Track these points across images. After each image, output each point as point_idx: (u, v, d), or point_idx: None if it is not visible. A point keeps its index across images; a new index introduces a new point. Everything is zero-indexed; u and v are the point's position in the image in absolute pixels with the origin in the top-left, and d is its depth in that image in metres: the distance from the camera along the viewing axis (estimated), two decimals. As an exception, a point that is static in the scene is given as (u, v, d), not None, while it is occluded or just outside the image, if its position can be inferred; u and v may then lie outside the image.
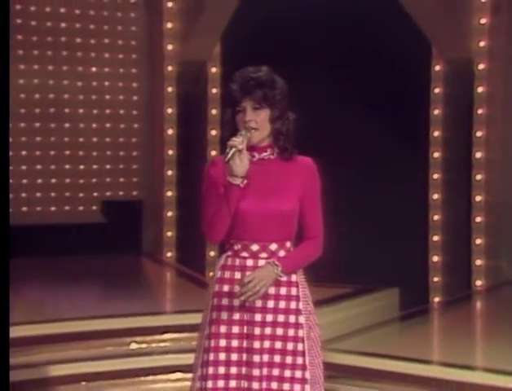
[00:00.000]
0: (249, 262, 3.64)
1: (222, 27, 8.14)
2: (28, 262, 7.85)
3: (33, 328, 5.93)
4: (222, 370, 3.63)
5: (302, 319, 3.64)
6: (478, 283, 7.90)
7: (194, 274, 7.93)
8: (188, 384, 5.14)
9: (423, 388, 5.40)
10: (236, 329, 3.63)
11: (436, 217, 8.08)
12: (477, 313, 7.62)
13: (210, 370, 3.62)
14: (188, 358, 5.10)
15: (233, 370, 3.64)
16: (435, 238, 8.08)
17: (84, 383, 5.64)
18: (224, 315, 3.63)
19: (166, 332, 6.01)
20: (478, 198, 7.96)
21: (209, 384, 3.61)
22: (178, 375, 5.77)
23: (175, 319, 6.18)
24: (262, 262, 3.64)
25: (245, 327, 3.63)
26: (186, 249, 8.47)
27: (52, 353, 5.77)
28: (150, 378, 5.81)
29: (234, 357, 3.63)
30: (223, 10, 8.02)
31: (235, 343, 3.63)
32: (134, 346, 5.93)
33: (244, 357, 3.61)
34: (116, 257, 8.31)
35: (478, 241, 7.94)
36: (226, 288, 3.65)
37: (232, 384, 3.63)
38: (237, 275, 3.65)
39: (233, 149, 3.52)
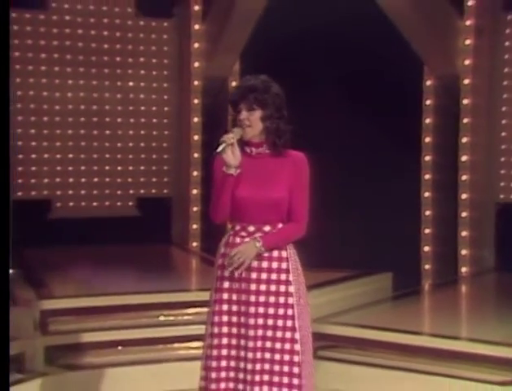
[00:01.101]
0: (247, 240, 3.74)
1: (241, 47, 8.19)
2: (74, 249, 7.97)
3: (81, 301, 6.05)
4: (225, 329, 3.76)
5: (291, 289, 3.77)
6: (464, 270, 7.90)
7: (214, 260, 8.18)
8: None
9: (412, 355, 5.46)
10: (235, 296, 3.75)
11: (427, 213, 8.09)
12: (462, 294, 7.59)
13: (215, 329, 3.74)
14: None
15: (234, 330, 3.73)
16: (426, 231, 8.08)
17: (120, 347, 5.77)
18: (226, 284, 3.77)
19: (190, 307, 6.07)
20: (463, 196, 7.95)
21: (215, 341, 3.74)
22: (198, 343, 5.78)
23: (197, 296, 6.20)
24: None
25: (243, 295, 3.73)
26: (208, 240, 8.38)
27: (96, 322, 5.90)
28: (175, 345, 5.89)
29: (234, 319, 3.76)
30: (242, 33, 8.02)
31: (234, 308, 3.76)
32: (162, 318, 6.03)
33: (242, 319, 3.72)
34: (149, 246, 8.33)
35: (463, 233, 7.93)
36: (227, 272, 3.74)
37: (233, 341, 3.75)
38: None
39: (224, 144, 3.63)
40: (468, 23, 7.85)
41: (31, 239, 7.79)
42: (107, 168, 8.69)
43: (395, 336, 5.63)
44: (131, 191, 8.80)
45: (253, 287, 3.75)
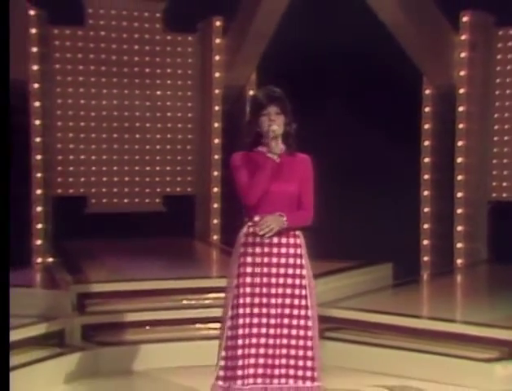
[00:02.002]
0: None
1: (257, 59, 8.18)
2: (107, 241, 8.02)
3: (114, 286, 6.13)
4: (248, 310, 3.83)
5: (304, 272, 3.89)
6: (459, 261, 7.91)
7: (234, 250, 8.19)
8: None
9: (411, 337, 5.50)
10: (257, 279, 3.83)
11: (426, 210, 8.10)
12: (457, 283, 7.55)
13: (240, 310, 3.80)
14: None
15: (255, 310, 3.83)
16: (425, 226, 8.08)
17: (148, 327, 5.83)
18: (248, 269, 3.84)
19: (210, 292, 6.10)
20: (459, 194, 7.94)
21: (240, 321, 3.79)
22: (217, 324, 5.83)
23: (217, 282, 6.15)
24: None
25: (265, 278, 3.83)
26: (227, 233, 8.29)
27: (127, 305, 5.96)
28: (196, 326, 5.93)
29: (256, 300, 3.83)
30: (258, 46, 8.02)
31: (257, 290, 3.83)
32: (185, 302, 6.08)
33: (264, 300, 3.82)
34: (174, 239, 8.32)
35: (459, 228, 7.92)
36: (250, 250, 3.85)
37: (255, 320, 3.82)
38: (257, 240, 3.83)
39: (272, 132, 3.77)
40: (463, 37, 7.87)
41: (69, 231, 7.84)
42: (136, 168, 8.72)
43: (395, 319, 5.66)
44: (158, 189, 8.81)
45: (273, 270, 3.85)
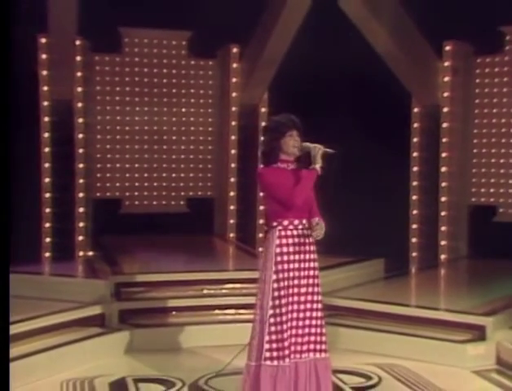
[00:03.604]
0: (294, 232, 4.01)
1: (268, 81, 8.16)
2: (138, 238, 8.02)
3: (145, 277, 6.19)
4: (286, 291, 3.98)
5: (317, 264, 4.10)
6: (443, 257, 7.93)
7: (247, 248, 7.92)
8: (238, 317, 5.66)
9: (399, 322, 5.58)
10: (291, 265, 4.00)
11: (414, 212, 8.08)
12: (441, 276, 7.55)
13: (282, 292, 3.96)
14: (241, 300, 5.78)
15: (291, 291, 3.99)
16: (414, 226, 8.06)
17: (174, 313, 5.89)
18: (285, 266, 3.99)
19: (227, 283, 6.17)
20: (443, 199, 7.96)
21: (283, 300, 3.95)
22: (232, 311, 5.94)
23: (233, 275, 6.33)
24: (300, 232, 4.00)
25: (296, 272, 4.00)
26: (242, 232, 8.46)
27: (156, 293, 6.04)
28: (215, 311, 5.98)
29: (291, 282, 4.00)
30: (270, 70, 7.98)
31: (291, 274, 3.99)
32: (205, 291, 6.13)
33: (296, 282, 4.01)
34: (196, 236, 8.31)
35: (443, 228, 7.94)
36: (285, 257, 4.00)
37: (290, 299, 3.99)
38: (289, 240, 3.99)
39: (321, 151, 3.98)
40: (446, 64, 7.90)
41: (106, 229, 7.89)
42: (164, 175, 8.70)
43: (386, 307, 5.75)
44: (182, 193, 8.78)
45: (302, 265, 4.03)
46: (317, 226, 3.99)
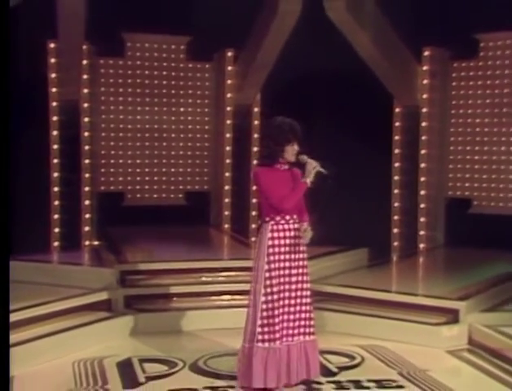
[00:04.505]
0: (286, 226, 4.14)
1: (261, 83, 8.14)
2: (140, 228, 7.94)
3: (148, 265, 6.23)
4: (277, 280, 4.10)
5: (305, 256, 4.21)
6: (421, 245, 7.97)
7: (241, 238, 7.92)
8: (234, 302, 5.70)
9: (381, 307, 5.66)
10: (282, 264, 4.13)
11: (396, 204, 8.11)
12: (419, 263, 7.56)
13: (273, 281, 4.05)
14: (235, 287, 5.83)
15: (282, 279, 4.11)
16: (395, 217, 8.09)
17: (175, 298, 5.94)
18: (276, 257, 4.12)
19: (223, 271, 6.21)
20: (422, 192, 7.99)
21: (274, 288, 4.07)
22: (228, 296, 6.00)
23: (229, 264, 6.34)
24: (292, 226, 4.09)
25: (287, 262, 4.15)
26: (236, 223, 8.43)
27: (158, 280, 6.08)
28: (212, 297, 6.01)
29: (282, 272, 4.12)
30: (262, 73, 7.97)
31: (282, 264, 4.12)
32: (203, 278, 6.17)
33: (287, 272, 4.15)
34: (193, 227, 8.27)
35: (421, 219, 7.97)
36: (277, 249, 4.12)
37: (281, 287, 4.12)
38: (281, 234, 4.11)
39: (315, 169, 4.04)
40: (425, 68, 7.93)
41: (110, 220, 7.88)
42: (164, 170, 8.64)
43: (368, 293, 5.82)
44: (181, 187, 8.71)
45: (292, 256, 4.14)
46: (305, 233, 4.10)
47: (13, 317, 4.92)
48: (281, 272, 4.12)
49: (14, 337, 4.71)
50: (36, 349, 4.85)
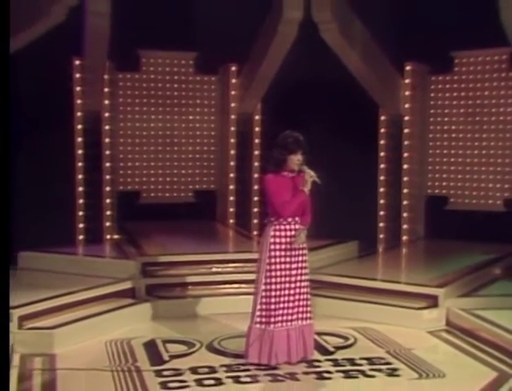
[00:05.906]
0: (287, 227, 4.25)
1: (262, 93, 8.15)
2: (154, 223, 7.94)
3: (166, 257, 6.24)
4: (278, 273, 4.22)
5: (306, 251, 4.34)
6: (404, 238, 8.01)
7: (245, 232, 7.94)
8: (241, 290, 5.79)
9: (370, 293, 5.73)
10: (283, 259, 4.23)
11: (381, 201, 8.13)
12: (402, 254, 7.61)
13: (273, 273, 4.19)
14: (242, 277, 5.92)
15: (283, 272, 4.21)
16: (381, 213, 8.12)
17: (190, 287, 6.02)
18: (278, 252, 4.23)
19: (230, 262, 6.26)
20: (405, 191, 8.05)
21: (273, 280, 4.21)
22: (236, 285, 6.07)
23: (234, 256, 6.40)
24: (293, 226, 4.18)
25: (288, 258, 4.24)
26: (240, 219, 8.44)
27: (175, 270, 6.12)
28: (221, 286, 6.07)
29: (283, 266, 4.24)
30: (263, 85, 7.98)
31: (282, 259, 4.21)
32: (214, 269, 6.23)
33: (288, 266, 4.28)
34: (201, 222, 8.28)
35: (404, 215, 8.03)
36: (278, 246, 4.23)
37: (282, 279, 4.22)
38: (282, 233, 4.20)
39: (312, 179, 4.16)
40: (407, 81, 8.00)
41: (128, 216, 7.91)
42: (175, 171, 8.68)
43: (359, 281, 5.90)
44: (190, 186, 8.74)
45: (293, 252, 4.27)
46: (297, 237, 4.18)
47: (50, 303, 5.17)
48: (282, 266, 4.26)
49: (53, 321, 4.96)
50: (72, 331, 4.99)
